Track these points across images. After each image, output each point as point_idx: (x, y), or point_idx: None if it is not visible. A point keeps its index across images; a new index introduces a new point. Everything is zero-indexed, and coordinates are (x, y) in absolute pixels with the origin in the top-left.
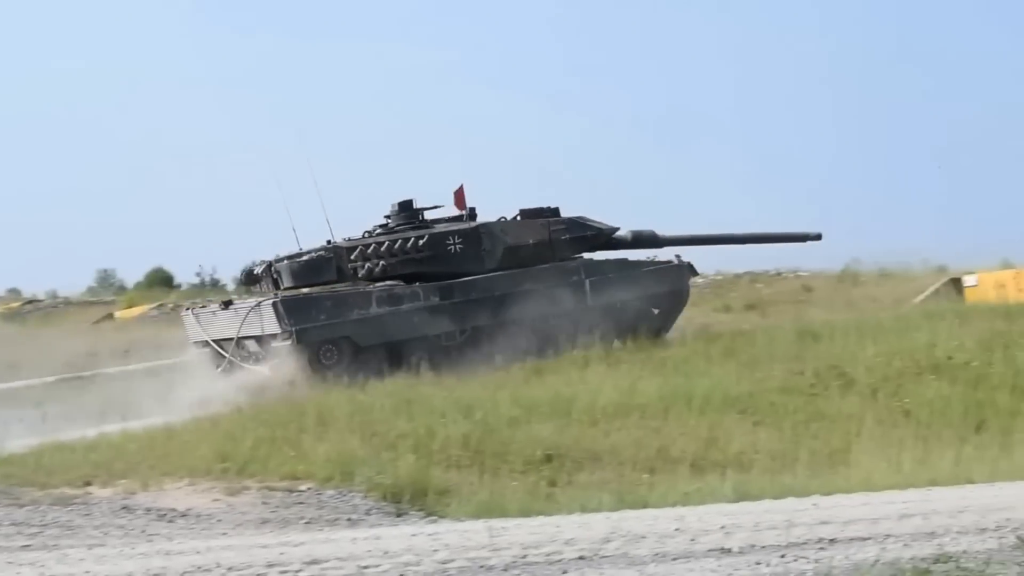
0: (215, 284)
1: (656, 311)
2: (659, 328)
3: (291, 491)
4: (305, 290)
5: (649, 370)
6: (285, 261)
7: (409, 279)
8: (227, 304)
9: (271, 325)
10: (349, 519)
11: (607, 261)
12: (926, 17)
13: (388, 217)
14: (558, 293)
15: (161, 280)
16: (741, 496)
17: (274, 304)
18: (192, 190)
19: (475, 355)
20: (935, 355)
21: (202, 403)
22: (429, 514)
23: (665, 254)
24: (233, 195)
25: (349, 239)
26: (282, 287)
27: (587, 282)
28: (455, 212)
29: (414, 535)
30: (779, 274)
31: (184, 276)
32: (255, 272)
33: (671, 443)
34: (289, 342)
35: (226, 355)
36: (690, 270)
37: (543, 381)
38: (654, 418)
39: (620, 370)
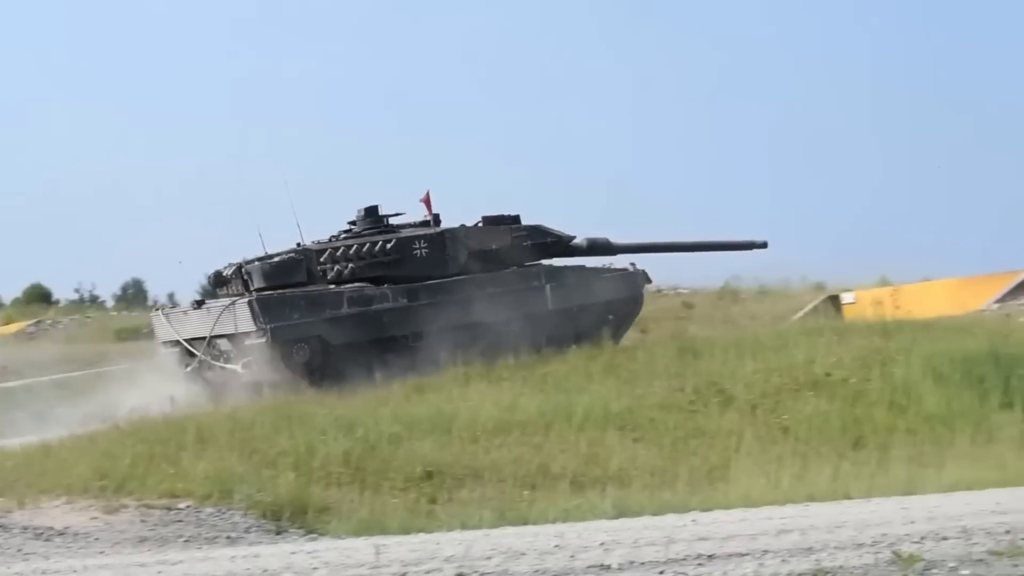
0: (94, 300)
1: (612, 317)
2: (615, 333)
3: (170, 509)
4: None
5: (530, 387)
6: (256, 263)
7: (377, 282)
8: (199, 303)
9: (245, 323)
10: (228, 537)
11: (566, 267)
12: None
13: (352, 223)
14: (520, 297)
15: (39, 296)
16: (621, 512)
17: (250, 303)
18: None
19: (440, 356)
20: (813, 372)
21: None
22: (309, 532)
23: (620, 262)
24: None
25: (318, 242)
26: (252, 288)
27: (548, 287)
28: (418, 218)
29: (294, 553)
30: (660, 291)
31: (62, 292)
32: (224, 274)
33: (551, 460)
34: (263, 340)
35: (197, 353)
36: (644, 278)
37: (424, 398)
38: (535, 435)
39: (501, 387)
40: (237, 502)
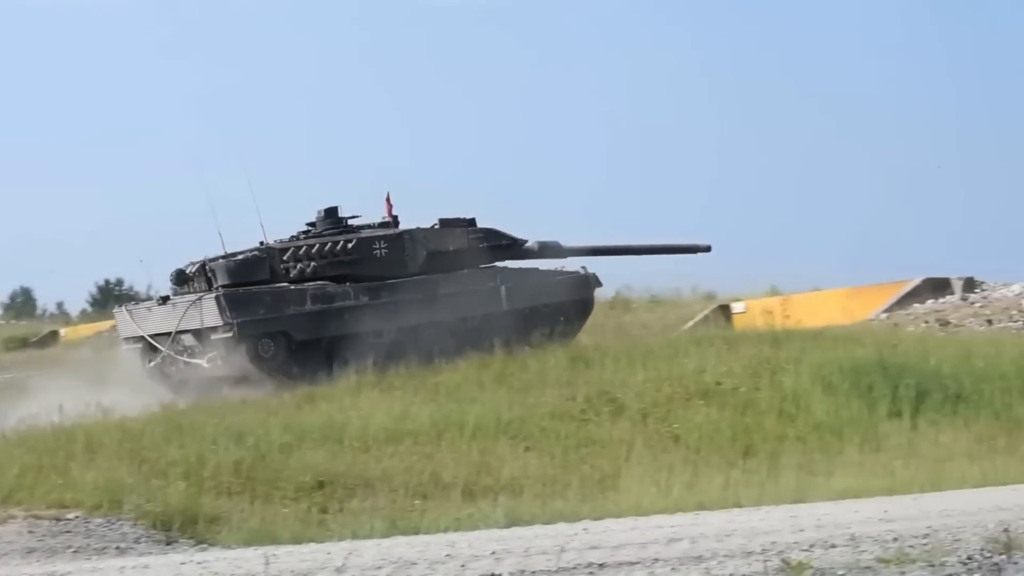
0: None
1: (563, 318)
2: (567, 333)
3: (58, 519)
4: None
5: (421, 396)
6: (220, 260)
7: (338, 280)
8: (165, 299)
9: (212, 318)
10: (118, 547)
11: (521, 269)
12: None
13: (311, 225)
14: (476, 298)
15: None
16: (512, 521)
17: (217, 297)
18: None
19: (400, 353)
20: (704, 381)
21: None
22: (199, 542)
23: (571, 265)
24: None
25: (280, 241)
26: (216, 285)
27: (503, 288)
28: (375, 219)
29: (183, 563)
30: None
31: None
32: (187, 272)
33: (443, 469)
34: (230, 334)
35: (162, 349)
36: (596, 281)
37: (315, 407)
38: (426, 444)
39: (392, 396)
40: (127, 512)
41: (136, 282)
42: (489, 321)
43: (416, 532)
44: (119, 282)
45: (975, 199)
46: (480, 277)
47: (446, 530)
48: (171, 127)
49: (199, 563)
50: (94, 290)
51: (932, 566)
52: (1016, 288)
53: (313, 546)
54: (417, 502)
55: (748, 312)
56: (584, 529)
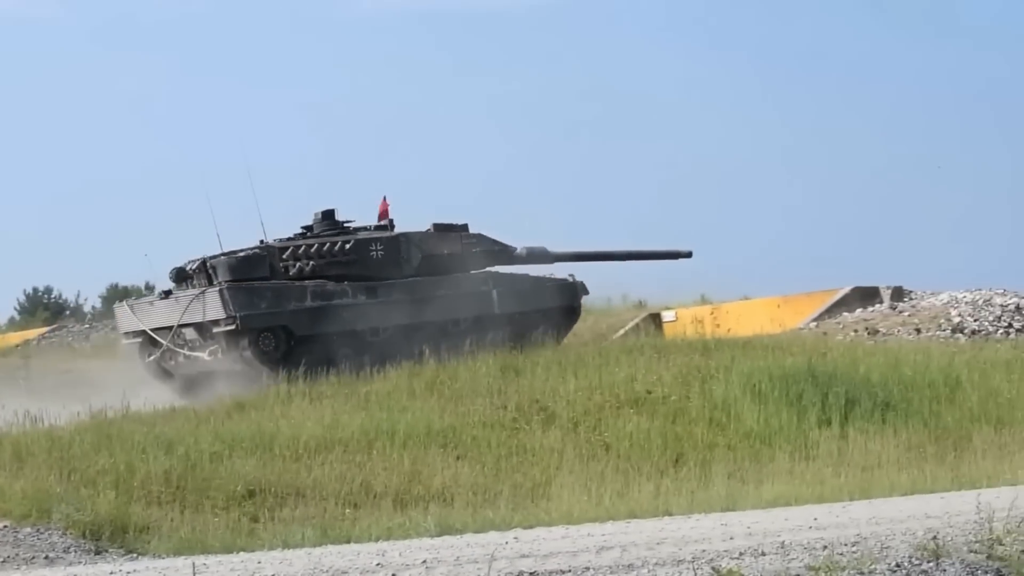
0: None
1: (551, 323)
2: (555, 337)
3: None
4: None
5: (352, 405)
6: (222, 257)
7: (336, 280)
8: (167, 294)
9: (215, 311)
10: (47, 557)
11: (513, 274)
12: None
13: (306, 228)
14: (469, 300)
15: None
16: (443, 530)
17: (220, 291)
18: None
19: (394, 352)
20: (635, 389)
21: None
22: (129, 551)
23: (559, 272)
24: None
25: (280, 240)
26: (216, 281)
27: (495, 292)
28: (372, 222)
29: (112, 573)
30: None
31: None
32: (187, 269)
33: (374, 478)
34: (232, 327)
35: (163, 342)
36: (583, 289)
37: (245, 416)
38: (357, 453)
39: (323, 404)
40: (55, 522)
41: (65, 289)
42: (481, 323)
43: (347, 541)
44: (48, 290)
45: (903, 208)
46: (473, 281)
47: (377, 539)
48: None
49: (128, 573)
50: (22, 297)
51: (861, 573)
52: (944, 297)
53: (244, 555)
54: (348, 511)
55: (678, 321)
56: (515, 538)
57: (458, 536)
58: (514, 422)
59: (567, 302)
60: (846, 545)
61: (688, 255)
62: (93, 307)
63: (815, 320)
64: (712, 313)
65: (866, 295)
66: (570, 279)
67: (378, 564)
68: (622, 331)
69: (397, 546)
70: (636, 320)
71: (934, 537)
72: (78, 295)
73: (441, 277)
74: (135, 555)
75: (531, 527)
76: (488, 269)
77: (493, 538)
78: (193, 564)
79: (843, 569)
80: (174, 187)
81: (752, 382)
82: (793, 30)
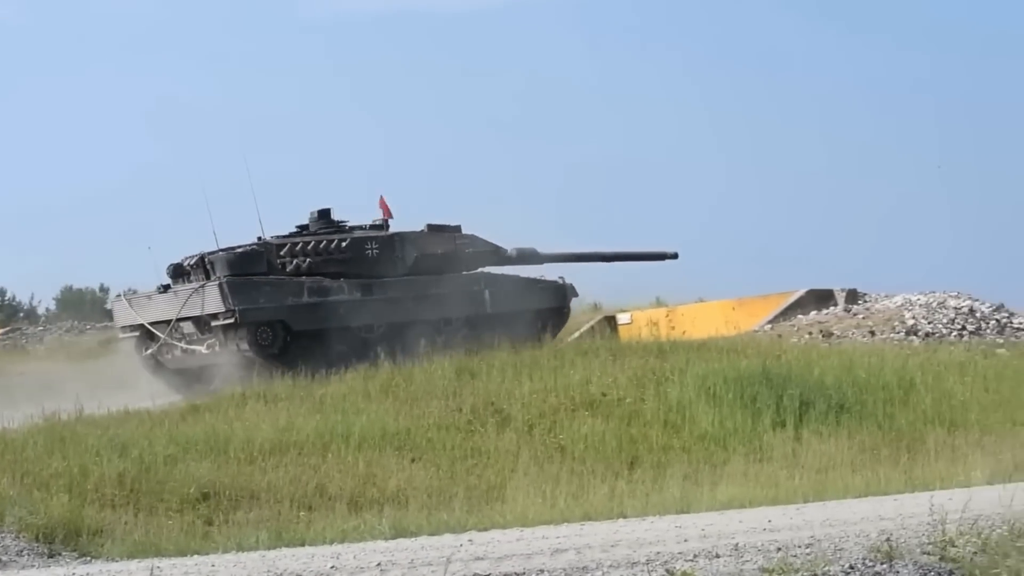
0: None
1: (541, 323)
2: (546, 337)
3: None
4: None
5: (307, 407)
6: (221, 253)
7: (331, 277)
8: (166, 288)
9: (214, 305)
10: (0, 560)
11: (504, 276)
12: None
13: (300, 227)
14: (463, 299)
15: None
16: (398, 533)
17: (220, 285)
18: None
19: (388, 348)
20: (590, 392)
21: None
22: (83, 555)
23: (549, 274)
24: None
25: (277, 236)
26: (214, 277)
27: (487, 292)
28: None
29: None
30: None
31: None
32: (184, 266)
33: (329, 480)
34: (231, 320)
35: (161, 336)
36: (572, 291)
37: (200, 418)
38: (312, 455)
39: (277, 407)
40: (8, 525)
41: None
42: (473, 322)
43: (302, 544)
44: (1, 292)
45: (858, 211)
46: (467, 281)
47: (332, 542)
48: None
49: None
50: None
51: (815, 575)
52: (898, 299)
53: (198, 558)
54: (303, 514)
55: (634, 323)
56: (470, 540)
57: (413, 539)
58: (469, 424)
59: (557, 303)
60: (800, 547)
61: (674, 256)
62: (47, 309)
63: (770, 322)
64: (667, 315)
65: (820, 298)
66: (560, 281)
67: (332, 567)
68: (577, 333)
69: (352, 549)
70: (592, 323)
71: (887, 539)
72: (31, 297)
73: (435, 276)
74: (89, 558)
75: (486, 529)
76: (481, 270)
77: (448, 540)
78: (148, 567)
79: (797, 571)
80: (132, 193)
81: (707, 384)
82: (737, 30)
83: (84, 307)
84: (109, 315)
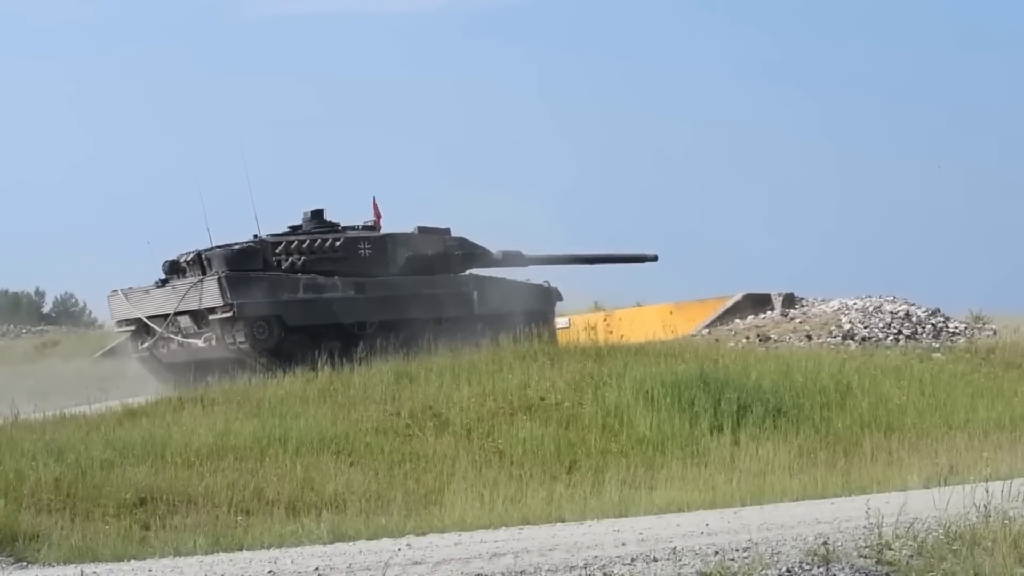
0: None
1: (526, 325)
2: (528, 338)
3: None
4: None
5: (244, 412)
6: (218, 249)
7: (325, 275)
8: (163, 282)
9: (212, 299)
10: None
11: (492, 278)
12: None
13: (292, 227)
14: (451, 300)
15: None
16: (336, 537)
17: (219, 279)
18: None
19: (380, 346)
20: (528, 396)
21: None
22: (19, 560)
23: (533, 276)
24: None
25: (273, 234)
26: (211, 272)
27: (475, 293)
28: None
29: None
30: None
31: None
32: (180, 262)
33: (266, 485)
34: (229, 314)
35: (158, 330)
36: (557, 294)
37: (137, 423)
38: (249, 460)
39: (215, 412)
40: None
41: None
42: (461, 322)
43: (239, 548)
44: None
45: (795, 216)
46: (456, 282)
47: (269, 547)
48: None
49: None
50: None
51: None
52: (835, 304)
53: (135, 563)
54: (240, 518)
55: (571, 327)
56: (408, 545)
57: (351, 543)
58: (407, 429)
59: (541, 306)
60: (737, 551)
61: (654, 259)
62: None
63: (707, 327)
64: (605, 320)
65: (758, 302)
66: (545, 284)
67: (270, 572)
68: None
69: (289, 553)
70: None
71: (824, 542)
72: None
73: (425, 277)
74: (25, 564)
75: (424, 534)
76: (471, 272)
77: (386, 545)
78: (83, 572)
79: (734, 574)
80: (66, 195)
81: (645, 388)
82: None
83: (20, 311)
84: (45, 319)
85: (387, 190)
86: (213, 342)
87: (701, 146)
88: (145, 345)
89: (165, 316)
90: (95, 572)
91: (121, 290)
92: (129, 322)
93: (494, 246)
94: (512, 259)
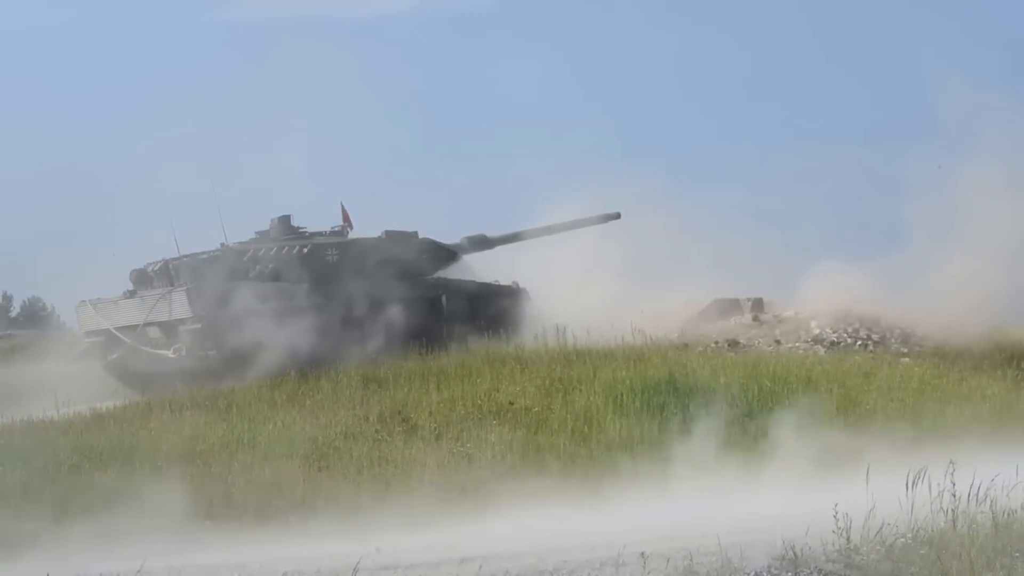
0: None
1: (495, 327)
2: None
3: None
4: None
5: (213, 416)
6: (185, 259)
7: (293, 283)
8: (132, 293)
9: (182, 310)
10: None
11: (461, 281)
12: None
13: (259, 233)
14: (420, 304)
15: None
16: (305, 542)
17: (188, 291)
18: None
19: (350, 351)
20: (497, 400)
21: None
22: None
23: (503, 275)
24: None
25: (240, 242)
26: (178, 282)
27: (443, 298)
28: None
29: None
30: None
31: None
32: (148, 272)
33: (235, 489)
34: (198, 326)
35: (127, 341)
36: (526, 295)
37: (105, 428)
38: (217, 464)
39: (183, 416)
40: None
41: None
42: (430, 327)
43: (207, 553)
44: None
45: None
46: (424, 286)
47: (237, 551)
48: None
49: None
50: None
51: None
52: (803, 309)
53: (100, 567)
54: (208, 523)
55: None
56: (376, 549)
57: (319, 547)
58: (376, 433)
59: (511, 307)
60: (706, 555)
61: (617, 216)
62: None
63: (677, 331)
64: None
65: (727, 307)
66: (514, 286)
67: None
68: None
69: (257, 558)
70: None
71: (792, 547)
72: None
73: (395, 281)
74: None
75: (393, 539)
76: (438, 275)
77: (355, 549)
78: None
79: None
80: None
81: (614, 393)
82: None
83: None
84: (13, 323)
85: (354, 194)
86: (183, 352)
87: (672, 150)
88: (114, 356)
89: (134, 327)
90: None
91: (90, 301)
92: (98, 333)
93: (458, 234)
94: (477, 244)
